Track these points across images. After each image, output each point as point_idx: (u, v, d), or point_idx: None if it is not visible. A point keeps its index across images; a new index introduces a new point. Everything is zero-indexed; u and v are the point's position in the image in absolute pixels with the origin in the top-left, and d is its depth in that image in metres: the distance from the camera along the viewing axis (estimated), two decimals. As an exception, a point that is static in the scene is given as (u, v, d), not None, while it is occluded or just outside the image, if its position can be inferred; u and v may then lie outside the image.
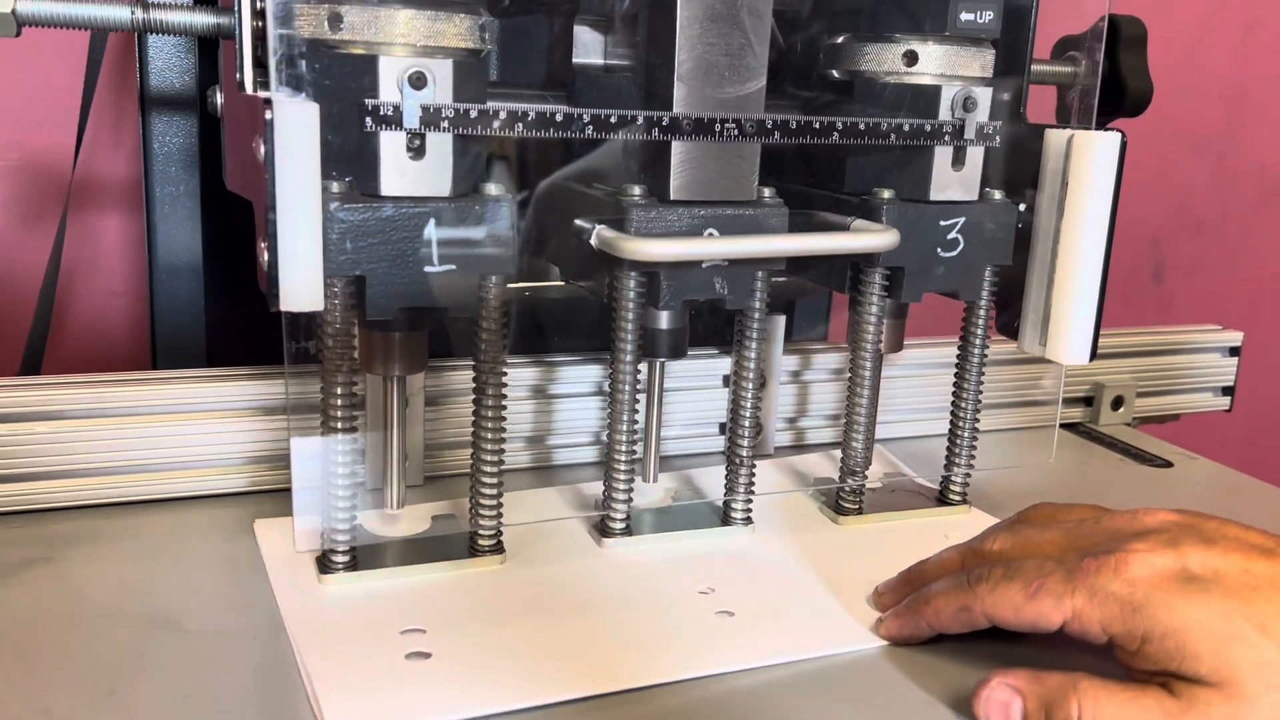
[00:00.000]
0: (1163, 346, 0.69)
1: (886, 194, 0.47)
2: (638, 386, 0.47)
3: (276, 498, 0.51)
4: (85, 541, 0.46)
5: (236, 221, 0.61)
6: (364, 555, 0.45)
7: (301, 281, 0.37)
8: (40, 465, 0.48)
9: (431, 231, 0.40)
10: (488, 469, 0.45)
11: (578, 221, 0.44)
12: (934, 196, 0.48)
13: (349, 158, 0.40)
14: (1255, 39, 1.08)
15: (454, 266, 0.41)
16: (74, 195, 0.68)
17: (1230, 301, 1.16)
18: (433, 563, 0.45)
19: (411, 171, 0.40)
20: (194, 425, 0.50)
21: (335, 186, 0.39)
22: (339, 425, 0.42)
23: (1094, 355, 0.49)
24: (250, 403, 0.51)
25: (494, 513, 0.46)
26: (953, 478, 0.53)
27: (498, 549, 0.46)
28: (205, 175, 0.59)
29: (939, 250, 0.48)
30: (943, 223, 0.48)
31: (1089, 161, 0.46)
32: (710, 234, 0.44)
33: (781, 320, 0.58)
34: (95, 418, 0.48)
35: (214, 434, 0.50)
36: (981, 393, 0.52)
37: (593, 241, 0.41)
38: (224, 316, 0.62)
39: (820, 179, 0.51)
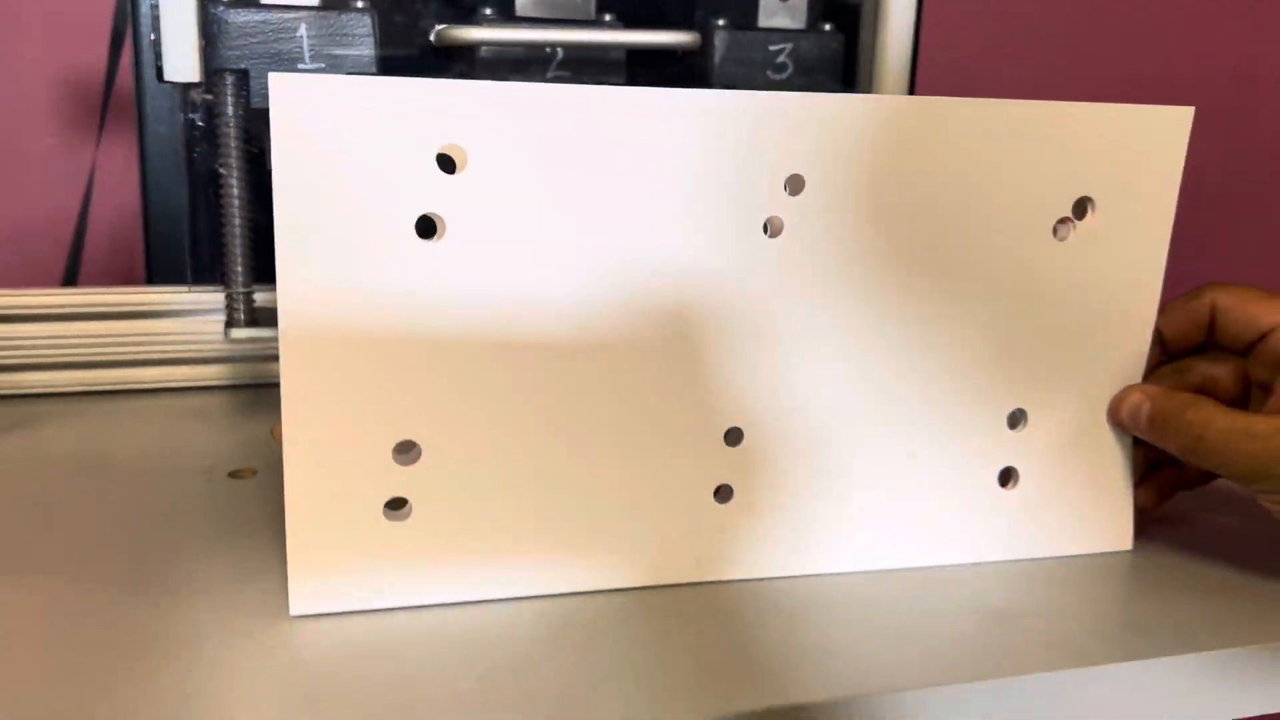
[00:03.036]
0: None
1: (720, 21, 0.54)
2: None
3: (229, 392, 0.60)
4: (60, 417, 0.55)
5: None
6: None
7: (180, 58, 0.45)
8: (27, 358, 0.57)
9: (303, 34, 0.49)
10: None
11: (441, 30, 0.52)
12: (762, 23, 0.55)
13: (234, -28, 0.49)
14: (1266, 11, 1.07)
15: (323, 65, 0.49)
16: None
17: (1246, 280, 1.14)
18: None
19: (286, -17, 0.49)
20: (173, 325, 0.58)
21: (223, -5, 0.48)
22: (236, 198, 0.51)
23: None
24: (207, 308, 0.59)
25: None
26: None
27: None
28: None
29: (769, 73, 0.55)
30: (771, 47, 0.55)
31: (892, -15, 0.53)
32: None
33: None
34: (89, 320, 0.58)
35: (185, 334, 0.59)
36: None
37: (431, 39, 0.50)
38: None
39: (654, 18, 0.58)
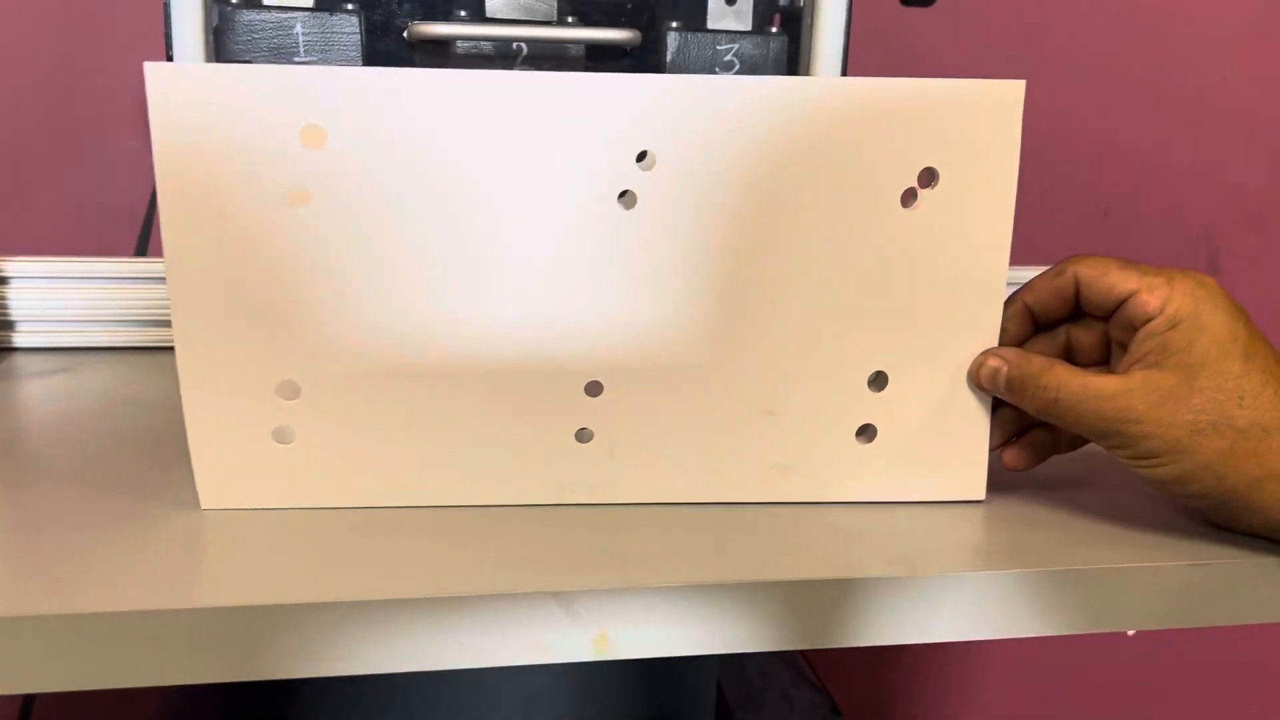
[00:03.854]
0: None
1: (673, 23, 0.60)
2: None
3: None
4: (102, 364, 0.65)
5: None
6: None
7: (189, 49, 0.54)
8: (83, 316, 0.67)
9: (299, 31, 0.57)
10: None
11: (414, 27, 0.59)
12: (710, 25, 0.60)
13: (243, -21, 0.57)
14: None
15: (316, 58, 0.57)
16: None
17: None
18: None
19: (285, -12, 0.57)
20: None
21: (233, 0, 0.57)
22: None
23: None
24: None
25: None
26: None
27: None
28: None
29: (716, 70, 0.61)
30: (718, 47, 0.60)
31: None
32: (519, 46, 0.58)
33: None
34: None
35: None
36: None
37: (405, 36, 0.57)
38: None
39: (611, 20, 0.64)
